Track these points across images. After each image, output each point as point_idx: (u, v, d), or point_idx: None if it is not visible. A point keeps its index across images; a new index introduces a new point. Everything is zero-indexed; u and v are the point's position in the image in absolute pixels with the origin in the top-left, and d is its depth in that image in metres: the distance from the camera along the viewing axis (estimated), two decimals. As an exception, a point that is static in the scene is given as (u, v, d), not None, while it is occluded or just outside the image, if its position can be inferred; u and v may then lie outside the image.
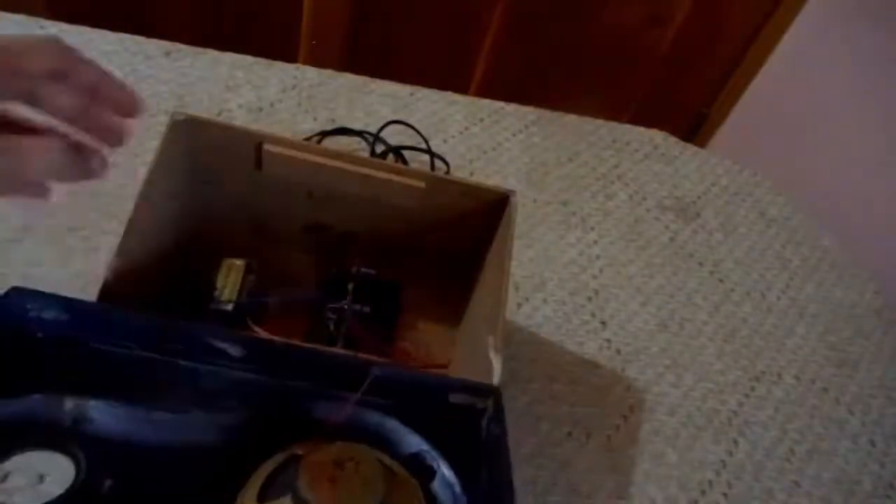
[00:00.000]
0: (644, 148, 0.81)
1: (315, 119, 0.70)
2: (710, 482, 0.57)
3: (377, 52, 1.26)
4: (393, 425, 0.40)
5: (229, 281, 0.48)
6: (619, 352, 0.62)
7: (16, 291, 0.38)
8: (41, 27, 0.68)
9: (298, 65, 0.74)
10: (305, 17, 1.19)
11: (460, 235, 0.51)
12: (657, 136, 0.83)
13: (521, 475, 0.53)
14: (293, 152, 0.46)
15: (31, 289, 0.38)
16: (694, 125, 1.42)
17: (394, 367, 0.41)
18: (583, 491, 0.54)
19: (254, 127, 0.50)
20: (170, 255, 0.49)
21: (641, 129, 0.83)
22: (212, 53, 0.72)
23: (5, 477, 0.34)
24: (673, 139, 0.84)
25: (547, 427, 0.56)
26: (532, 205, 0.71)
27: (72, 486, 0.34)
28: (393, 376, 0.40)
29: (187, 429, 0.37)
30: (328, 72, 0.75)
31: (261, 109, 0.69)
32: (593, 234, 0.71)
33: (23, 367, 0.37)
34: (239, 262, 0.49)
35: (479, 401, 0.41)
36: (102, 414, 0.37)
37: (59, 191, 0.35)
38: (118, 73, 0.39)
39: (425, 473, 0.39)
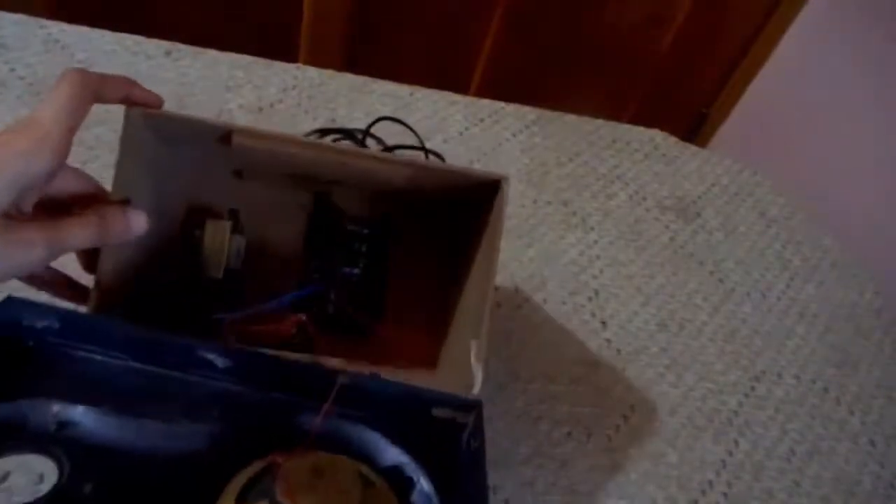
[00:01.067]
0: (644, 148, 0.81)
1: (315, 119, 0.70)
2: (710, 482, 0.57)
3: (377, 52, 1.26)
4: (373, 437, 0.40)
5: (216, 241, 0.46)
6: (619, 352, 0.62)
7: (10, 301, 0.39)
8: (41, 27, 0.68)
9: (298, 65, 0.74)
10: (305, 17, 1.20)
11: (452, 215, 0.49)
12: (657, 136, 0.83)
13: (520, 475, 0.53)
14: (265, 144, 0.43)
15: (25, 298, 0.38)
16: (694, 125, 1.42)
17: (376, 377, 0.41)
18: (583, 491, 0.54)
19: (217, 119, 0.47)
20: (159, 234, 0.47)
21: (641, 129, 0.83)
22: (212, 53, 0.72)
23: (5, 476, 0.34)
24: (673, 139, 0.84)
25: (547, 427, 0.56)
26: (532, 205, 0.71)
27: (53, 487, 0.34)
28: (375, 387, 0.40)
29: (173, 438, 0.37)
30: (328, 72, 0.75)
31: (261, 109, 0.69)
32: (593, 234, 0.71)
33: (13, 374, 0.38)
34: (223, 223, 0.47)
35: (461, 415, 0.41)
36: (88, 419, 0.37)
37: None
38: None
39: (404, 486, 0.39)
